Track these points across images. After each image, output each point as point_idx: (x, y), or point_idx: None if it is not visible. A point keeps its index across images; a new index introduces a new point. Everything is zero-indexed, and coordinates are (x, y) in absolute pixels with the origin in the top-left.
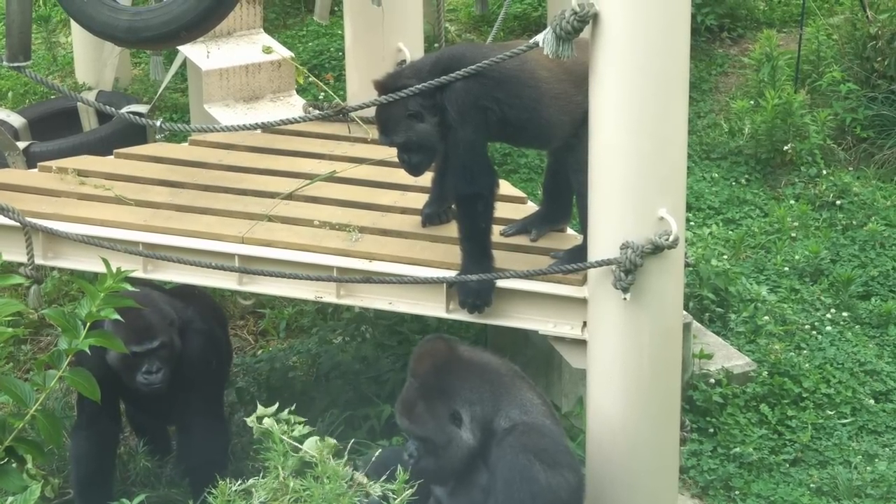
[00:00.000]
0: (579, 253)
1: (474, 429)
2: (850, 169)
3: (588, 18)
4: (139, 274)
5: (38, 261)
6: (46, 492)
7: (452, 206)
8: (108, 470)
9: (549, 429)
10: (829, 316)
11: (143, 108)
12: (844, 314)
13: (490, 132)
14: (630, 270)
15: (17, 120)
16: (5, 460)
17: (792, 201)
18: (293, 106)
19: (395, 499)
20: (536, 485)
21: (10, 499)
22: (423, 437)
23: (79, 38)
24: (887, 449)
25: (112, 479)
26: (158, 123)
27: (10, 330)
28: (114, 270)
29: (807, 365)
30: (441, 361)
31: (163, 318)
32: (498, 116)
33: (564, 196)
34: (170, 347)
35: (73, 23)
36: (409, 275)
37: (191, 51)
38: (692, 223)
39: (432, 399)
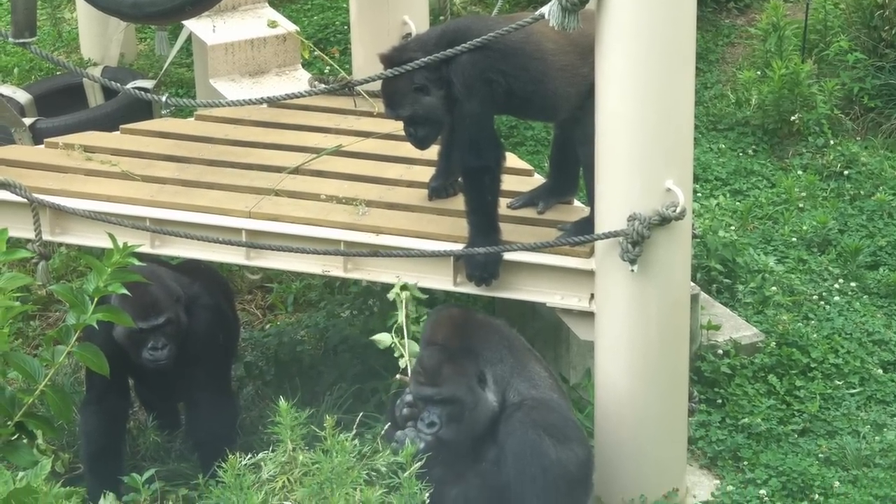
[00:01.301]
0: (586, 225)
1: (496, 391)
2: (858, 139)
3: None
4: (146, 249)
5: (46, 237)
6: (57, 467)
7: (459, 180)
8: (118, 445)
9: (556, 403)
10: (836, 286)
11: (148, 84)
12: (852, 284)
13: (496, 105)
14: (637, 242)
15: (23, 96)
16: (16, 436)
17: (799, 172)
18: (299, 80)
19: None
20: (546, 459)
21: (21, 474)
22: (453, 398)
23: (84, 14)
24: (895, 419)
25: (122, 454)
26: (164, 99)
27: (17, 304)
28: (120, 246)
29: (815, 335)
30: (460, 324)
31: (169, 295)
32: (504, 89)
33: (571, 168)
34: (176, 324)
35: None
36: (416, 248)
37: (196, 25)
38: (699, 194)
39: (458, 360)
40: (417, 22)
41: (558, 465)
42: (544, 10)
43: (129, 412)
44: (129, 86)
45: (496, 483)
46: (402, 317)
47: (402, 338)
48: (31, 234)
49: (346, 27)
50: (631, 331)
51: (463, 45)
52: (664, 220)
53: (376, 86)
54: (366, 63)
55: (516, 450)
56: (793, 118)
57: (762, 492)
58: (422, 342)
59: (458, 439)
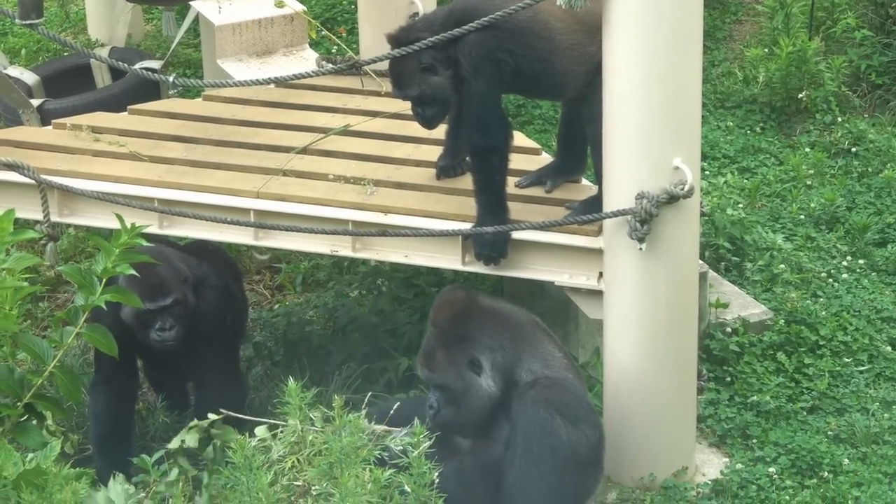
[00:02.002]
0: (594, 203)
1: (495, 377)
2: (866, 116)
3: None
4: (154, 230)
5: (54, 218)
6: (66, 448)
7: (467, 159)
8: (127, 425)
9: (571, 383)
10: (845, 263)
11: (156, 64)
12: (860, 261)
13: (504, 84)
14: (645, 220)
15: (30, 77)
16: (25, 417)
17: (807, 149)
18: (306, 60)
19: (413, 451)
20: (557, 439)
21: (31, 455)
22: (442, 384)
23: None
24: None
25: (131, 435)
26: (172, 79)
27: (25, 284)
28: (128, 226)
29: (823, 313)
30: (459, 309)
31: (177, 275)
32: (511, 68)
33: (579, 147)
34: (183, 304)
35: None
36: (424, 228)
37: (203, 6)
38: (707, 172)
39: (451, 346)
40: (424, 2)
41: (568, 445)
42: None
43: (138, 393)
44: (137, 66)
45: (490, 461)
46: None
47: None
48: (39, 216)
49: (353, 7)
50: (639, 309)
51: (470, 24)
52: (672, 199)
53: (384, 65)
54: (373, 43)
55: (526, 428)
56: (800, 95)
57: (771, 469)
58: (429, 319)
59: (458, 421)
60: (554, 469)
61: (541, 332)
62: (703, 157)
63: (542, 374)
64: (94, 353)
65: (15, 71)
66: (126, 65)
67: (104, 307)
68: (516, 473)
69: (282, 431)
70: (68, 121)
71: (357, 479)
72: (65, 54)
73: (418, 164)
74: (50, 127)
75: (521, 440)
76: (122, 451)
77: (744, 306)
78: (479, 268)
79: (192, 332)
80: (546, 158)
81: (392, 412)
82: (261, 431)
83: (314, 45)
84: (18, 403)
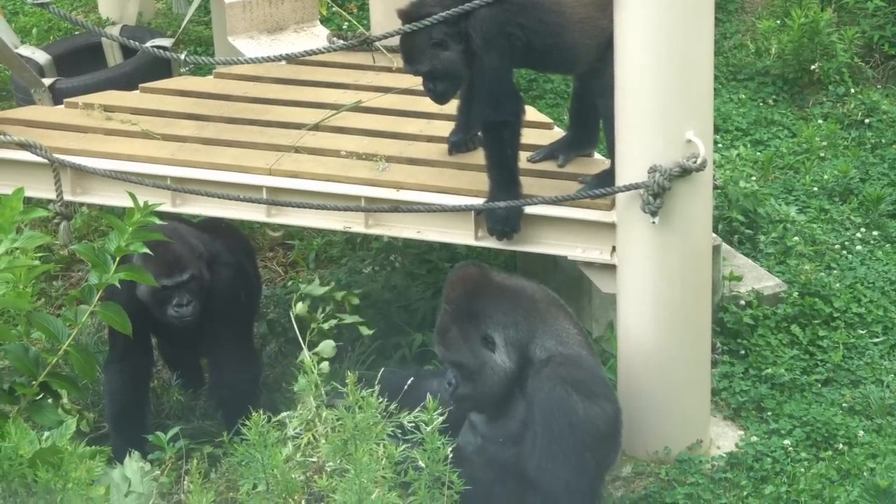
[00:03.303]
0: (607, 177)
1: (510, 353)
2: (879, 87)
3: None
4: (167, 208)
5: (67, 197)
6: (82, 426)
7: (479, 134)
8: (142, 403)
9: (585, 360)
10: (858, 235)
11: (167, 43)
12: (874, 233)
13: (515, 58)
14: (658, 194)
15: (42, 56)
16: (40, 396)
17: (820, 121)
18: (317, 36)
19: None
20: (575, 416)
21: (46, 433)
22: (457, 362)
23: None
24: None
25: (146, 413)
26: (183, 57)
27: (37, 263)
28: (141, 205)
29: (837, 285)
30: (472, 286)
31: (192, 251)
32: (522, 42)
33: (591, 121)
34: (199, 280)
35: None
36: (436, 203)
37: None
38: (720, 145)
39: (463, 324)
40: None
41: (587, 422)
42: None
43: (153, 370)
44: (148, 45)
45: (507, 436)
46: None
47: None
48: (52, 195)
49: None
50: (653, 283)
51: None
52: (685, 172)
53: (395, 41)
54: (384, 18)
55: (544, 406)
56: (813, 67)
57: (786, 442)
58: (442, 296)
59: (475, 398)
60: (574, 445)
61: (556, 308)
62: (716, 130)
63: (557, 352)
64: (108, 331)
65: (26, 50)
66: (137, 43)
67: (118, 285)
68: (539, 453)
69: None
70: (80, 100)
71: (371, 455)
72: (76, 33)
73: (430, 139)
74: (62, 106)
75: (541, 419)
76: (138, 428)
77: (757, 279)
78: (491, 243)
79: (207, 309)
80: (558, 133)
81: (377, 383)
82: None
83: (325, 21)
84: (33, 382)
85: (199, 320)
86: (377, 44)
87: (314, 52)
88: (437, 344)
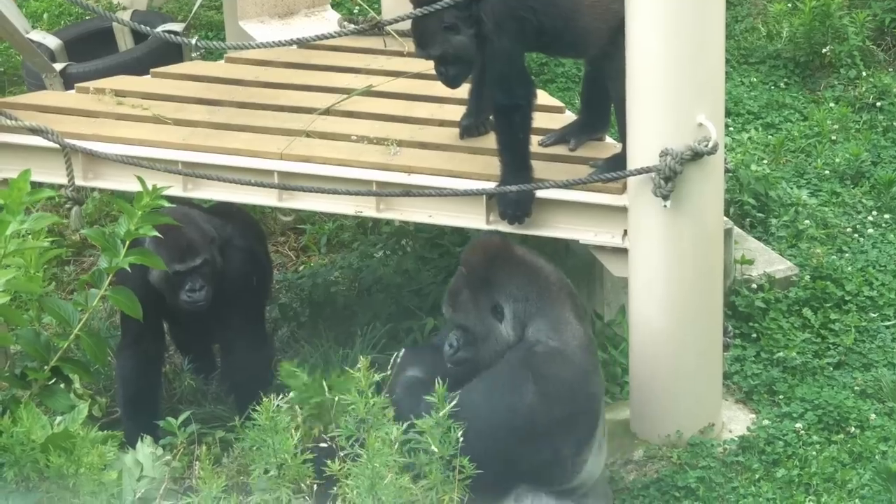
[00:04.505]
0: (618, 161)
1: (515, 326)
2: (890, 70)
3: None
4: (178, 192)
5: (79, 182)
6: (94, 411)
7: (490, 118)
8: (154, 388)
9: (569, 358)
10: (870, 218)
11: (178, 27)
12: (886, 216)
13: (527, 42)
14: (670, 177)
15: (53, 41)
16: (52, 380)
17: (832, 104)
18: (328, 21)
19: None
20: (519, 401)
21: (59, 418)
22: (464, 325)
23: None
24: None
25: (158, 397)
26: (195, 42)
27: (48, 245)
28: (150, 189)
29: (849, 268)
30: (491, 254)
31: (203, 236)
32: (534, 26)
33: (602, 105)
34: (212, 265)
35: None
36: (448, 187)
37: None
38: (731, 128)
39: (477, 289)
40: None
41: (526, 412)
42: None
43: (165, 355)
44: (159, 29)
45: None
46: None
47: None
48: (63, 180)
49: None
50: (664, 266)
51: None
52: (696, 155)
53: (406, 25)
54: (395, 2)
55: (490, 380)
56: (824, 50)
57: (798, 425)
58: (460, 259)
59: (475, 362)
60: (496, 422)
61: (565, 296)
62: (727, 114)
63: (545, 340)
64: (120, 316)
65: (37, 35)
66: (148, 28)
67: (129, 270)
68: (473, 392)
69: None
70: (91, 85)
71: (384, 440)
72: (87, 18)
73: (441, 123)
74: (73, 91)
75: (482, 389)
76: (150, 413)
77: (769, 262)
78: (503, 227)
79: (219, 293)
80: (570, 117)
81: (399, 359)
82: None
83: (336, 5)
84: (45, 367)
85: (211, 305)
86: (388, 28)
87: (326, 37)
88: (446, 304)
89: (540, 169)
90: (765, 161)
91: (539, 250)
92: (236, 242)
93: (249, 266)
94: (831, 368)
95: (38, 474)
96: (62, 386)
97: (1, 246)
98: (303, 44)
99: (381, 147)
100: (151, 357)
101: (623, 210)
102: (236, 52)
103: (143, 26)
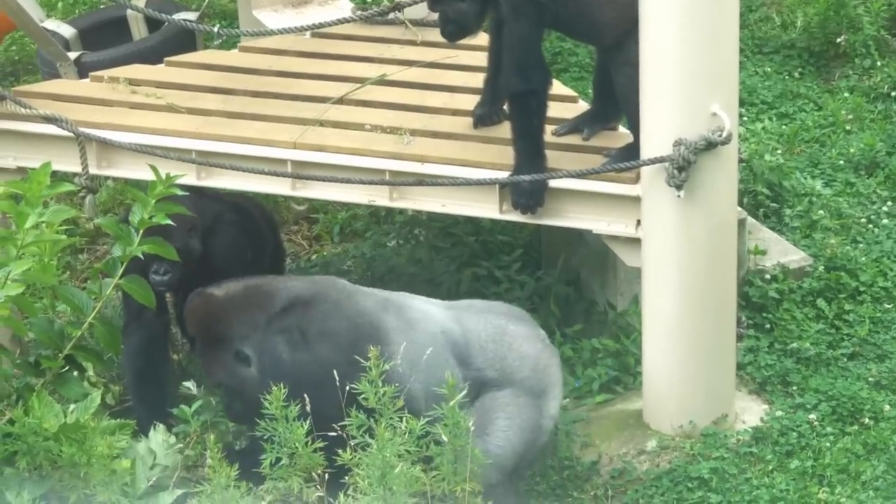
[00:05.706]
0: (632, 151)
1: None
2: None
3: None
4: (192, 181)
5: (93, 170)
6: (107, 399)
7: (504, 107)
8: (162, 362)
9: (319, 303)
10: (885, 209)
11: (192, 16)
12: None
13: (543, 28)
14: (683, 167)
15: (67, 30)
16: (66, 368)
17: (846, 94)
18: (341, 10)
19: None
20: (283, 365)
21: (72, 406)
22: (220, 383)
23: None
24: None
25: (166, 373)
26: (216, 29)
27: (63, 236)
28: (164, 177)
29: (863, 258)
30: (202, 315)
31: (182, 224)
32: (552, 13)
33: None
34: (183, 252)
35: None
36: (461, 177)
37: None
38: (745, 118)
39: (215, 349)
40: None
41: (292, 366)
42: None
43: (170, 329)
44: (174, 18)
45: None
46: None
47: None
48: (77, 168)
49: None
50: (678, 256)
51: None
52: (710, 145)
53: (420, 13)
54: None
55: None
56: (839, 40)
57: (812, 416)
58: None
59: (248, 414)
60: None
61: (273, 278)
62: (741, 103)
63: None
64: (122, 297)
65: (52, 24)
66: (163, 16)
67: (142, 257)
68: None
69: None
70: (105, 73)
71: (394, 429)
72: (101, 7)
73: (454, 112)
74: (87, 80)
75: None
76: (159, 392)
77: (783, 253)
78: (516, 216)
79: (209, 267)
80: (583, 106)
81: None
82: None
83: None
84: (59, 355)
85: (205, 280)
86: (402, 17)
87: (341, 21)
88: (206, 374)
89: (553, 158)
90: (779, 151)
91: (552, 240)
92: (228, 216)
93: (241, 239)
94: (845, 359)
95: (50, 463)
96: (76, 374)
97: (20, 237)
98: (316, 33)
99: (395, 136)
100: (156, 330)
101: (636, 200)
102: (250, 41)
103: (157, 14)
